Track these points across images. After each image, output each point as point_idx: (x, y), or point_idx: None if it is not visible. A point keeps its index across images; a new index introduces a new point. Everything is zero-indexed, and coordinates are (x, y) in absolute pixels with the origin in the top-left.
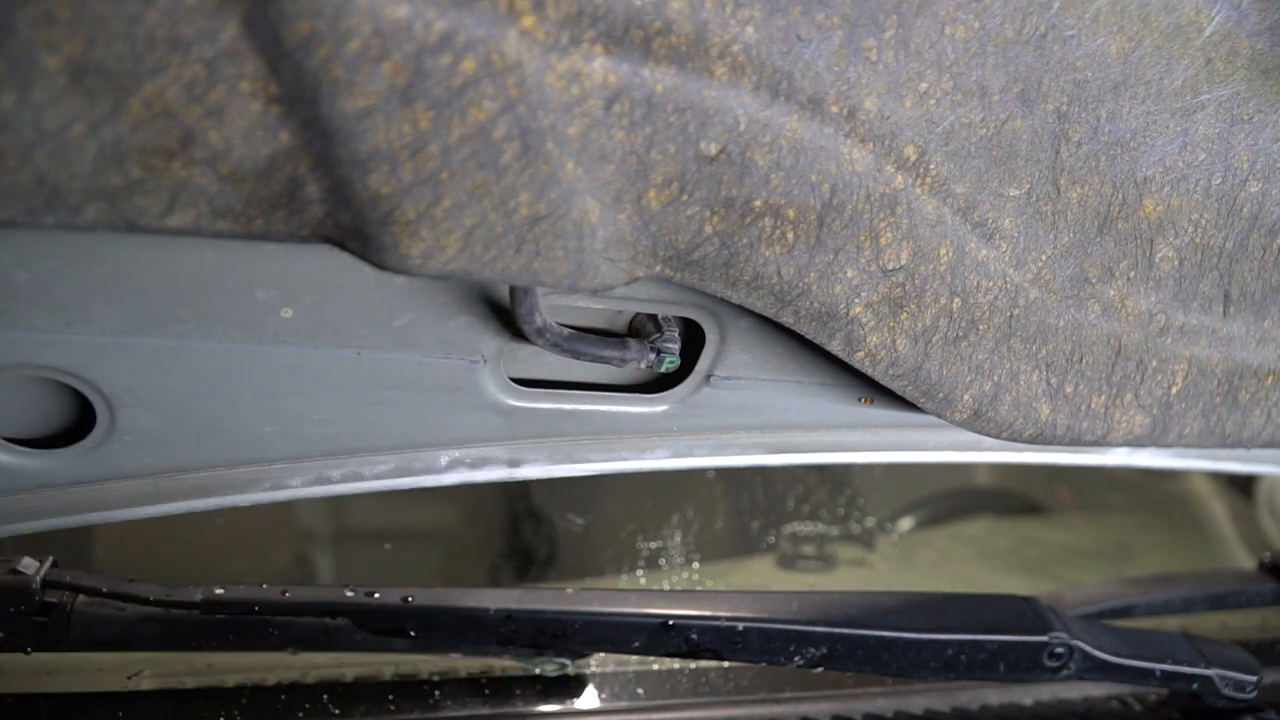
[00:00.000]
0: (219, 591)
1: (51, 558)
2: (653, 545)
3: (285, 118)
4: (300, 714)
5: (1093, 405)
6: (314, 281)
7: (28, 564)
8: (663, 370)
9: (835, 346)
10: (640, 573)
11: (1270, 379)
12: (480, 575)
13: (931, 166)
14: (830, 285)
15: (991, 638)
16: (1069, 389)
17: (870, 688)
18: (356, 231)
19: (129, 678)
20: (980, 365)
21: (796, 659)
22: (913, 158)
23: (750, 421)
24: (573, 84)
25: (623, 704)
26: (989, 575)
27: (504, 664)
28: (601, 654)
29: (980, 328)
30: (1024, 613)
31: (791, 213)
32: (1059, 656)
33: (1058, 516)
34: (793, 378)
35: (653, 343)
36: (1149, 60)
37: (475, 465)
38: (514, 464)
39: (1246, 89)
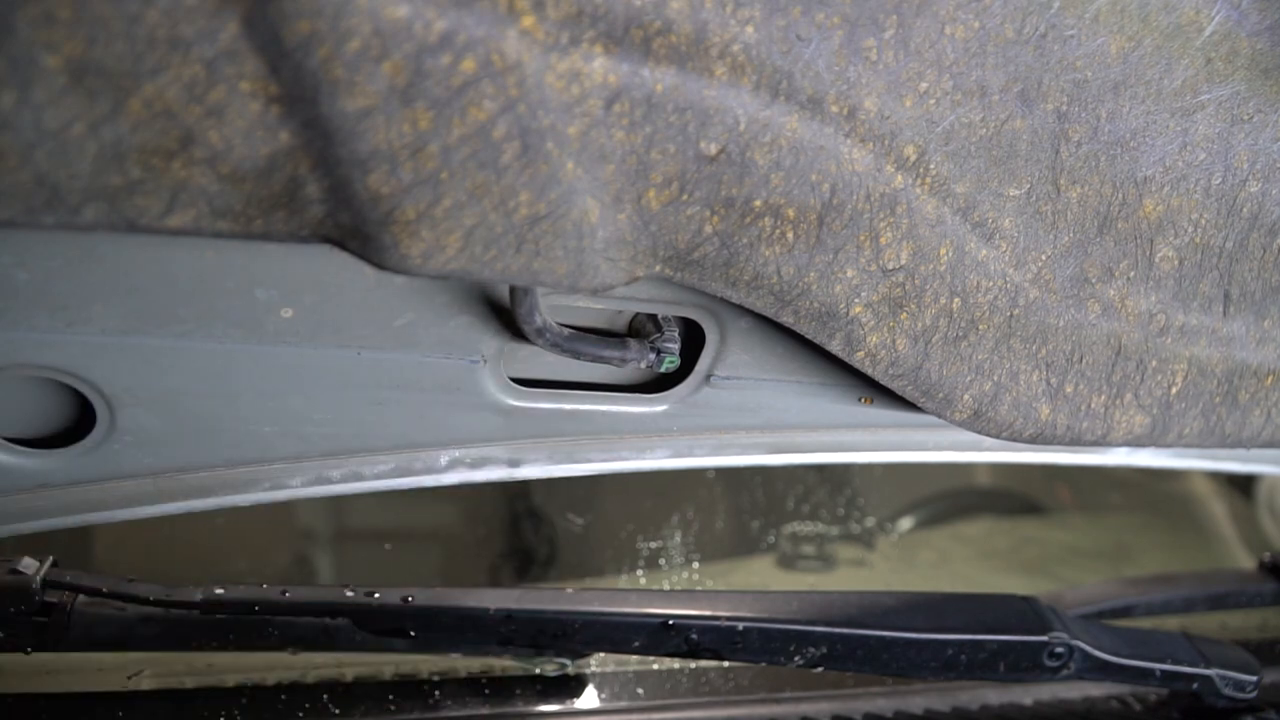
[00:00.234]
0: (219, 591)
1: (51, 558)
2: (653, 545)
3: (285, 118)
4: (300, 714)
5: (1093, 405)
6: (314, 281)
7: (28, 564)
8: (663, 370)
9: (835, 346)
10: (640, 573)
11: (1270, 379)
12: (480, 575)
13: (931, 166)
14: (830, 285)
15: (991, 638)
16: (1069, 389)
17: (870, 688)
18: (356, 231)
19: (129, 678)
20: (980, 365)
21: (796, 659)
22: (913, 157)
23: (750, 421)
24: (573, 84)
25: (623, 704)
26: (989, 575)
27: (504, 664)
28: (601, 654)
29: (980, 327)
30: (1024, 613)
31: (791, 212)
32: (1059, 656)
33: (1058, 516)
34: (793, 378)
35: (653, 343)
36: (1149, 60)
37: (475, 465)
38: (514, 464)
39: (1246, 89)
